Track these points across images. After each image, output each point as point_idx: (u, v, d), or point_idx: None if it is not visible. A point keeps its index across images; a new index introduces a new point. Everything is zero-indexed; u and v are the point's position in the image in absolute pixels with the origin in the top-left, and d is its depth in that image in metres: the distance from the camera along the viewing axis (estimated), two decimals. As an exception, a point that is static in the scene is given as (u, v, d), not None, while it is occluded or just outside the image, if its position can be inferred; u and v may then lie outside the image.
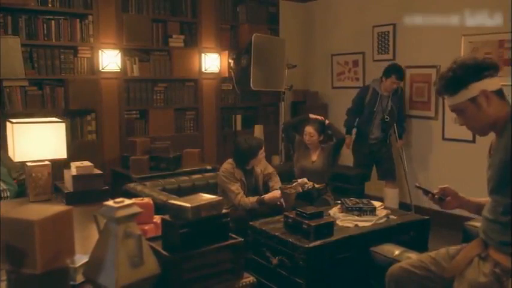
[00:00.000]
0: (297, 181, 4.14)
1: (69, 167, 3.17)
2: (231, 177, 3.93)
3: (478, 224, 2.22)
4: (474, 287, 1.99)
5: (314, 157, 4.45)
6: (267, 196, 3.88)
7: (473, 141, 4.91)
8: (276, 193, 3.85)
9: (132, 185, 4.02)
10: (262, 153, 4.06)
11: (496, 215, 2.01)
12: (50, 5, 4.83)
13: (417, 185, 2.45)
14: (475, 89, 1.97)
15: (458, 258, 2.15)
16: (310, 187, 4.15)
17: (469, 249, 2.14)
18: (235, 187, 3.89)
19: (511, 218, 1.94)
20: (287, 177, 4.44)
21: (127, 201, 1.65)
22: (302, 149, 4.52)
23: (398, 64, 5.32)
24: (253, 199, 3.84)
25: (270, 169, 4.23)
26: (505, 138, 1.96)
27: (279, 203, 3.89)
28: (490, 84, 1.98)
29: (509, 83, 4.40)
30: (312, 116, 4.57)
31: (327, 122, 4.55)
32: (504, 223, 1.96)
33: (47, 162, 3.03)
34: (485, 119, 2.01)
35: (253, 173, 4.11)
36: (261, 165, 4.17)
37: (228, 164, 4.03)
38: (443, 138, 5.31)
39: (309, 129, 4.45)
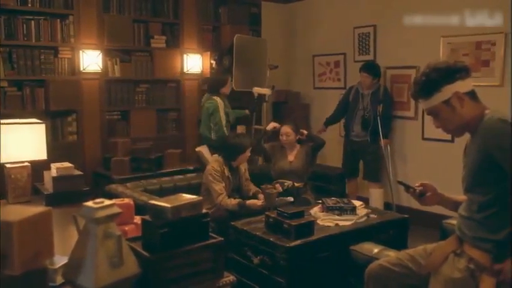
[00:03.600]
0: (277, 181, 4.18)
1: (49, 168, 3.15)
2: (219, 176, 3.94)
3: (455, 222, 2.27)
4: (449, 282, 2.04)
5: (291, 157, 4.49)
6: (248, 201, 3.87)
7: (452, 141, 4.98)
8: (258, 202, 3.86)
9: (113, 186, 4.01)
10: (244, 157, 4.11)
11: (470, 212, 2.07)
12: (29, 5, 4.79)
13: (399, 180, 2.50)
14: (448, 91, 2.02)
15: (434, 255, 2.19)
16: (290, 186, 4.19)
17: (445, 246, 2.19)
18: (220, 187, 3.90)
19: (484, 215, 1.99)
20: (269, 177, 4.47)
21: (107, 202, 1.66)
22: (278, 152, 4.55)
23: (373, 61, 5.49)
24: (234, 201, 3.85)
25: (246, 174, 4.26)
26: (477, 138, 2.01)
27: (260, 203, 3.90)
28: (462, 86, 2.03)
29: (487, 84, 4.51)
30: (268, 128, 4.70)
31: (305, 132, 4.62)
32: (478, 220, 2.02)
33: (26, 164, 3.01)
34: (459, 120, 2.05)
35: (238, 172, 4.14)
36: (244, 165, 4.21)
37: (216, 162, 4.04)
38: (423, 138, 5.38)
39: (286, 128, 4.50)
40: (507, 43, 4.56)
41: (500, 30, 4.57)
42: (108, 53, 5.33)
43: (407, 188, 2.34)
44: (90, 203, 1.63)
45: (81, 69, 5.07)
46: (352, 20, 6.02)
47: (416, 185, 2.34)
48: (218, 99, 4.85)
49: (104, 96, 5.32)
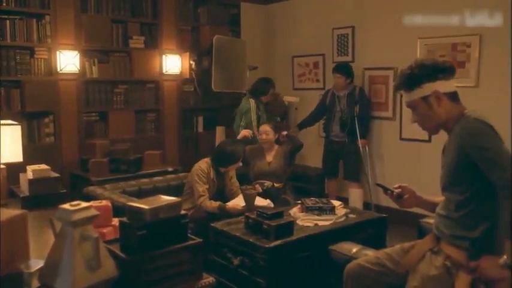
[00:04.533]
0: (257, 182, 4.18)
1: (25, 171, 3.10)
2: (204, 177, 3.93)
3: (432, 221, 2.30)
4: (426, 279, 2.07)
5: (270, 158, 4.50)
6: (229, 205, 3.85)
7: (429, 140, 5.06)
8: (238, 206, 3.83)
9: (91, 188, 3.97)
10: (234, 167, 4.11)
11: (448, 211, 2.10)
12: (4, 4, 4.70)
13: (378, 183, 2.54)
14: (428, 88, 2.07)
15: (411, 253, 2.23)
16: (269, 186, 4.20)
17: (422, 244, 2.22)
18: (203, 189, 3.89)
19: (461, 213, 2.03)
20: (248, 179, 4.47)
21: (84, 204, 1.65)
22: (256, 154, 4.55)
23: (344, 62, 5.63)
24: (215, 204, 3.83)
25: (236, 183, 4.21)
26: (454, 137, 2.04)
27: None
28: (444, 86, 2.07)
29: (463, 85, 4.58)
30: (239, 137, 4.81)
31: (285, 132, 4.70)
32: (455, 219, 2.05)
33: (2, 166, 2.96)
34: (435, 119, 2.10)
35: (225, 177, 4.12)
36: (232, 172, 4.19)
37: (204, 163, 4.02)
38: (401, 138, 5.45)
39: (265, 127, 4.52)
40: (482, 45, 4.65)
41: (476, 32, 4.65)
42: (85, 54, 5.27)
43: (386, 190, 2.39)
44: (66, 206, 1.61)
45: (58, 69, 5.00)
46: (331, 21, 6.06)
47: (395, 187, 2.37)
48: (252, 102, 5.25)
49: (82, 97, 5.26)
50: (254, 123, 5.13)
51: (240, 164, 4.16)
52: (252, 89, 5.47)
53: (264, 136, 4.50)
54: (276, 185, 4.30)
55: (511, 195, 1.82)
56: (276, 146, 4.59)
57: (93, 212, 1.63)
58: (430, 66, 2.08)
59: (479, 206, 2.00)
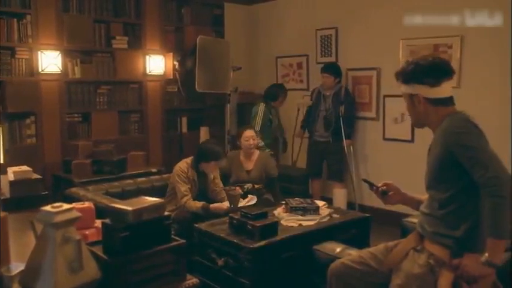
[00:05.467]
0: (237, 184, 4.18)
1: (6, 173, 3.06)
2: (184, 177, 3.92)
3: (415, 220, 2.33)
4: (409, 277, 2.09)
5: (249, 165, 4.47)
6: (213, 205, 3.84)
7: (412, 141, 5.11)
8: (223, 205, 3.83)
9: (74, 189, 3.93)
10: (215, 166, 4.04)
11: (431, 209, 2.12)
12: (-16, 4, 4.65)
13: (364, 178, 2.56)
14: (414, 89, 2.13)
15: (395, 252, 2.24)
16: (249, 188, 4.20)
17: (406, 243, 2.24)
18: (185, 188, 3.88)
19: (445, 211, 2.05)
20: (228, 180, 4.46)
21: (65, 206, 1.63)
22: (234, 162, 4.51)
23: (334, 62, 5.65)
24: (198, 204, 3.82)
25: (220, 184, 4.19)
26: (439, 136, 2.08)
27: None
28: (427, 91, 2.10)
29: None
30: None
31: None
32: (439, 216, 2.08)
33: (-18, 168, 2.92)
34: (418, 116, 2.18)
35: (207, 178, 4.10)
36: (215, 172, 4.15)
37: (183, 163, 4.02)
38: (384, 138, 5.49)
39: (250, 132, 4.47)
40: (463, 46, 4.71)
41: (457, 33, 4.71)
42: (68, 54, 5.22)
43: (371, 186, 2.42)
44: (48, 208, 1.59)
45: (40, 70, 4.95)
46: (315, 22, 6.08)
47: (380, 184, 2.40)
48: (262, 106, 5.47)
49: (64, 98, 5.21)
50: (257, 127, 5.23)
51: (213, 166, 4.03)
52: (264, 93, 5.71)
53: (250, 141, 4.43)
54: (256, 186, 4.30)
55: (493, 194, 1.85)
56: (257, 152, 4.55)
57: (75, 213, 1.62)
58: (422, 68, 2.11)
59: (462, 205, 2.02)
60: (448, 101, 2.13)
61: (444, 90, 2.11)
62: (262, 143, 5.12)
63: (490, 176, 1.85)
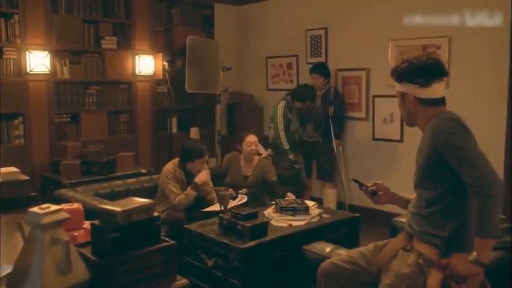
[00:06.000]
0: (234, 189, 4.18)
1: (-7, 174, 3.02)
2: (172, 177, 3.93)
3: (404, 220, 2.34)
4: (399, 277, 2.09)
5: (247, 171, 4.45)
6: (196, 179, 3.93)
7: (401, 140, 5.14)
8: (203, 174, 3.96)
9: (63, 190, 3.91)
10: (201, 163, 4.02)
11: (419, 208, 2.13)
12: (-29, 4, 4.61)
13: (353, 178, 2.58)
14: (405, 87, 2.16)
15: (384, 251, 2.25)
16: (244, 193, 4.19)
17: (395, 242, 2.25)
18: (176, 188, 3.90)
19: (432, 210, 2.06)
20: (220, 179, 4.45)
21: (54, 207, 1.61)
22: (233, 166, 4.51)
23: (322, 62, 5.66)
24: (187, 191, 3.89)
25: (210, 183, 4.18)
26: (427, 135, 2.10)
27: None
28: (417, 91, 2.12)
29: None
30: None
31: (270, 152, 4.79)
32: (426, 215, 2.09)
33: (-31, 169, 2.89)
34: (409, 115, 2.21)
35: (195, 177, 4.09)
36: (202, 178, 4.07)
37: (170, 165, 4.03)
38: (374, 139, 5.51)
39: (253, 138, 4.41)
40: (451, 46, 4.74)
41: (445, 34, 4.74)
42: (56, 54, 5.19)
43: (361, 185, 2.44)
44: (35, 209, 1.58)
45: (28, 70, 4.91)
46: (304, 23, 6.10)
47: (369, 184, 2.41)
48: (282, 104, 5.11)
49: (53, 98, 5.18)
50: (279, 126, 5.03)
51: (199, 166, 4.01)
52: (291, 91, 5.37)
53: (253, 147, 4.39)
54: (250, 190, 4.29)
55: (480, 193, 1.86)
56: (257, 158, 4.52)
57: (64, 215, 1.60)
58: (414, 67, 2.13)
59: (449, 204, 2.03)
60: (439, 102, 2.14)
61: (434, 91, 2.12)
62: (287, 146, 5.01)
63: (477, 176, 1.87)
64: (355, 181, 2.47)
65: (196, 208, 3.92)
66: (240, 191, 4.23)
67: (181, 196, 3.87)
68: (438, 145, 2.00)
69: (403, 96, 2.18)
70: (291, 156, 5.03)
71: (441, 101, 2.15)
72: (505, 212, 4.33)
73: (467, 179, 1.90)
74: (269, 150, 4.98)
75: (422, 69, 2.12)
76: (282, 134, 5.02)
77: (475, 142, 1.99)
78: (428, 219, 2.08)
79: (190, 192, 3.90)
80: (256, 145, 4.44)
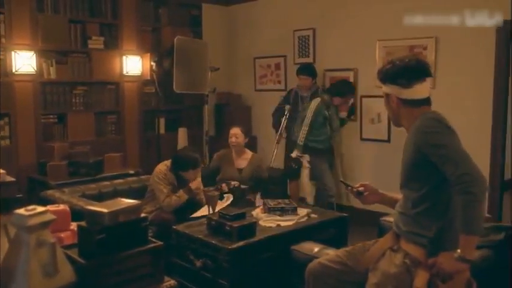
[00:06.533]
0: (224, 181, 4.17)
1: (-22, 175, 2.99)
2: (164, 179, 3.90)
3: (391, 219, 2.35)
4: (386, 277, 2.11)
5: (241, 164, 4.46)
6: (191, 184, 3.91)
7: (388, 141, 5.17)
8: (198, 181, 3.94)
9: (49, 191, 3.88)
10: (194, 174, 3.99)
11: (405, 208, 2.15)
12: (-45, 3, 4.55)
13: (341, 179, 2.60)
14: (388, 89, 2.19)
15: (371, 251, 2.27)
16: (236, 186, 4.20)
17: (382, 242, 2.27)
18: (167, 189, 3.88)
19: (418, 211, 2.07)
20: (209, 180, 4.45)
21: (39, 209, 1.60)
22: (225, 161, 4.52)
23: (309, 63, 5.66)
24: (180, 193, 3.87)
25: (200, 184, 4.15)
26: (411, 135, 2.11)
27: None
28: (400, 92, 2.14)
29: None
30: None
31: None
32: (412, 215, 2.10)
33: (-47, 171, 2.85)
34: (393, 115, 2.24)
35: (187, 184, 4.06)
36: (195, 185, 4.05)
37: (163, 166, 4.00)
38: (361, 139, 5.54)
39: (235, 130, 4.47)
40: (438, 47, 4.78)
41: (431, 35, 4.78)
42: (42, 54, 5.14)
43: (347, 186, 2.46)
44: (21, 211, 1.57)
45: (14, 70, 4.86)
46: (292, 23, 6.11)
47: (356, 185, 2.43)
48: (317, 100, 4.95)
49: (39, 98, 5.13)
50: (307, 121, 4.87)
51: (192, 176, 3.99)
52: (329, 88, 5.27)
53: (233, 139, 4.44)
54: (242, 186, 4.29)
55: (464, 190, 1.87)
56: (250, 153, 4.55)
57: (50, 216, 1.59)
58: (397, 69, 2.15)
59: (435, 203, 2.05)
60: (423, 102, 2.15)
61: (417, 91, 2.13)
62: (302, 142, 4.85)
63: (461, 173, 1.88)
64: (343, 182, 2.49)
65: (185, 208, 3.90)
66: (231, 183, 4.24)
67: (172, 198, 3.84)
68: (421, 145, 2.02)
69: (387, 97, 2.21)
70: (295, 153, 4.89)
71: (425, 102, 2.16)
72: (490, 211, 4.40)
73: (450, 176, 1.92)
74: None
75: (404, 71, 2.14)
76: (305, 129, 4.86)
77: (458, 141, 2.00)
78: (414, 219, 2.09)
79: (183, 195, 3.87)
80: (237, 137, 4.45)
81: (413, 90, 2.12)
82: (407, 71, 2.13)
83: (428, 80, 2.18)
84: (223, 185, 4.21)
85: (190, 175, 3.97)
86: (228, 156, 4.55)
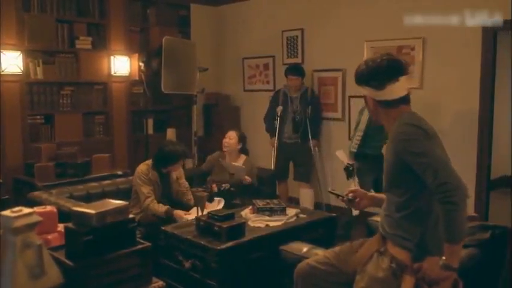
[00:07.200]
0: (214, 182, 4.16)
1: (-36, 176, 2.97)
2: (145, 179, 3.87)
3: (379, 219, 2.35)
4: (373, 281, 2.10)
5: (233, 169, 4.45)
6: (175, 212, 3.76)
7: (376, 141, 5.19)
8: (183, 215, 3.74)
9: (36, 193, 3.84)
10: (180, 165, 4.03)
11: (390, 211, 2.14)
12: None
13: (330, 190, 2.59)
14: (363, 90, 2.18)
15: (359, 254, 2.26)
16: (226, 188, 4.20)
17: (370, 245, 2.26)
18: (147, 190, 3.83)
19: (402, 215, 2.07)
20: (200, 181, 4.44)
21: (26, 210, 1.59)
22: (218, 164, 4.51)
23: (297, 63, 5.69)
24: (163, 208, 3.76)
25: (186, 184, 4.16)
26: (390, 140, 2.10)
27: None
28: (374, 94, 2.12)
29: (408, 86, 4.73)
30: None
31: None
32: (396, 219, 2.09)
33: None
34: (373, 115, 2.25)
35: (169, 178, 4.06)
36: (177, 172, 4.11)
37: (144, 165, 3.96)
38: (349, 139, 5.54)
39: (231, 132, 4.49)
40: (425, 48, 4.82)
41: (419, 35, 4.81)
42: (29, 54, 5.10)
43: (338, 196, 2.46)
44: (7, 212, 1.55)
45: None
46: (281, 24, 6.12)
47: (345, 193, 2.42)
48: None
49: (26, 99, 5.09)
50: (360, 128, 4.37)
51: (180, 165, 4.02)
52: None
53: (227, 140, 4.44)
54: (232, 188, 4.29)
55: (444, 200, 1.87)
56: (243, 158, 4.56)
57: (36, 218, 1.58)
58: (369, 70, 2.12)
59: (419, 208, 2.03)
60: (400, 102, 2.11)
61: (390, 92, 2.09)
62: (354, 149, 4.39)
63: (440, 183, 1.87)
64: (332, 193, 2.49)
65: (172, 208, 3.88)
66: (222, 185, 4.23)
67: (154, 204, 3.78)
68: (400, 153, 2.00)
69: (365, 98, 2.21)
70: (349, 161, 4.39)
71: (403, 101, 2.11)
72: (477, 210, 4.44)
73: (431, 185, 1.90)
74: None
75: (375, 72, 2.10)
76: (359, 135, 4.42)
77: (436, 146, 1.98)
78: (398, 223, 2.08)
79: (162, 213, 3.73)
80: (231, 138, 4.47)
81: (386, 91, 2.08)
82: (378, 72, 2.09)
83: (405, 78, 2.11)
84: (214, 185, 4.20)
85: (172, 168, 3.97)
86: (222, 158, 4.54)
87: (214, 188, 4.18)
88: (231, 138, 4.47)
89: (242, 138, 4.60)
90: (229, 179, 4.41)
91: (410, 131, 1.99)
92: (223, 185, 4.26)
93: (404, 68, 2.12)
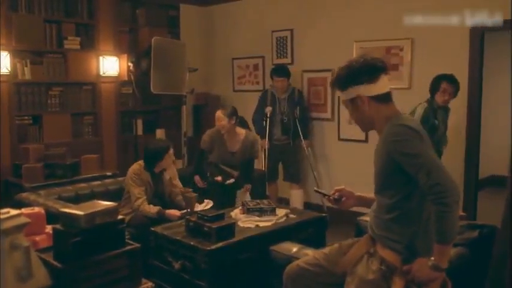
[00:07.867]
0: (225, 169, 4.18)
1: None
2: (137, 179, 3.84)
3: (368, 219, 2.36)
4: (363, 283, 2.09)
5: (233, 147, 4.43)
6: (168, 211, 3.76)
7: (366, 141, 5.21)
8: (177, 212, 3.75)
9: (24, 194, 3.82)
10: (170, 157, 3.97)
11: (379, 213, 2.14)
12: None
13: (316, 189, 2.58)
14: (353, 92, 2.11)
15: (349, 255, 2.25)
16: (231, 183, 4.22)
17: (359, 246, 2.24)
18: (138, 191, 3.80)
19: (391, 217, 2.07)
20: (189, 181, 4.43)
21: (13, 212, 1.58)
22: (217, 141, 4.45)
23: (281, 64, 5.70)
24: (154, 209, 3.74)
25: (179, 184, 4.14)
26: (382, 142, 2.09)
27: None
28: (367, 90, 2.09)
29: (397, 87, 4.76)
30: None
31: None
32: (386, 221, 2.08)
33: None
34: (363, 118, 2.16)
35: (162, 179, 4.04)
36: (171, 172, 4.08)
37: (136, 165, 3.95)
38: (339, 139, 5.58)
39: (217, 113, 4.40)
40: (414, 48, 4.85)
41: (407, 36, 4.84)
42: (17, 54, 5.06)
43: (324, 195, 2.46)
44: (-6, 214, 1.54)
45: (-13, 71, 4.77)
46: (270, 24, 6.13)
47: (331, 192, 2.42)
48: (423, 105, 4.13)
49: (14, 100, 5.05)
50: None
51: (169, 159, 3.96)
52: (430, 86, 4.33)
53: (217, 123, 4.38)
54: (235, 174, 4.30)
55: (436, 202, 1.88)
56: (242, 133, 4.49)
57: (24, 219, 1.57)
58: (356, 69, 2.09)
59: (409, 210, 2.03)
60: (387, 97, 2.12)
61: (382, 85, 2.10)
62: None
63: (432, 184, 1.87)
64: (318, 192, 2.49)
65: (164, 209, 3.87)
66: (226, 182, 4.22)
67: (145, 205, 3.76)
68: (392, 154, 1.99)
69: (353, 101, 2.13)
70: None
71: (389, 97, 2.12)
72: (466, 209, 4.47)
73: (423, 186, 1.90)
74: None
75: (366, 67, 2.09)
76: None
77: (427, 147, 1.98)
78: (387, 225, 2.08)
79: (154, 214, 3.72)
80: (221, 120, 4.33)
81: (379, 84, 2.08)
82: (368, 67, 2.09)
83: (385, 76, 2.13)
84: (219, 178, 4.18)
85: (166, 161, 3.93)
86: (219, 136, 4.44)
87: (219, 179, 4.16)
88: (220, 120, 4.35)
89: (232, 113, 4.39)
90: (231, 157, 4.40)
91: (403, 131, 1.99)
92: (227, 182, 4.24)
93: (386, 65, 2.16)
